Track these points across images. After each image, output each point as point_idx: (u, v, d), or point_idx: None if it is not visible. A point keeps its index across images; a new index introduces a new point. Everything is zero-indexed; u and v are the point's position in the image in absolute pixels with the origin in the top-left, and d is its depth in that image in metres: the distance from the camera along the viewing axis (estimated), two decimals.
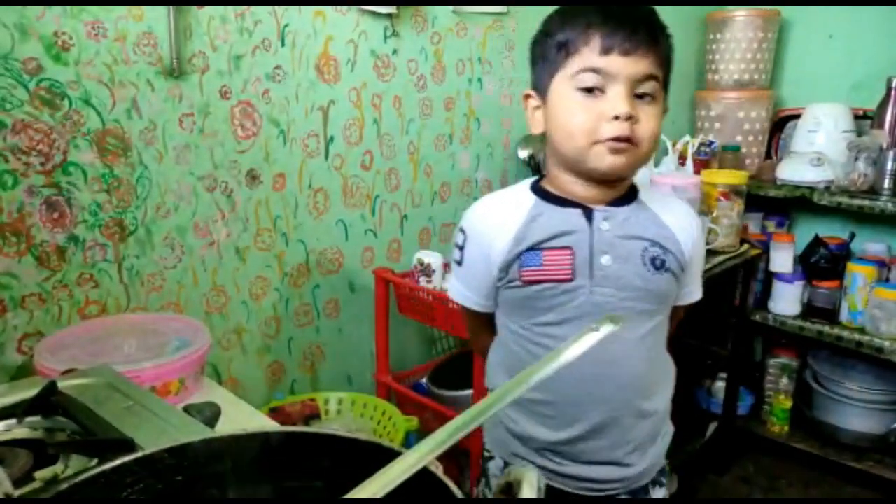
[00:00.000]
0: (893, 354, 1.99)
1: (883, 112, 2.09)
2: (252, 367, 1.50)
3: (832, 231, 2.35)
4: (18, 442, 0.70)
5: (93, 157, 1.18)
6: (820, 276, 2.18)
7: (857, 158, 2.06)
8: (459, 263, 1.02)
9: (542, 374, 0.48)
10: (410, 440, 1.47)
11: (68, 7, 1.11)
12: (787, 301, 2.22)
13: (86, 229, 1.19)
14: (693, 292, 1.06)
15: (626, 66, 0.85)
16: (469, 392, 1.55)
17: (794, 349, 2.41)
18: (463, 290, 1.04)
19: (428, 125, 1.75)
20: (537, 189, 0.98)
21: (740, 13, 2.31)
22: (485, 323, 1.07)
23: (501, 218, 0.96)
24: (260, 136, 1.41)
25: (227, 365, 1.45)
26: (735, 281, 2.15)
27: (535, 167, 1.94)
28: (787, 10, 2.41)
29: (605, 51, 0.85)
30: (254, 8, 1.35)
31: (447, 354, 1.89)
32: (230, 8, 1.32)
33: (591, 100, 0.87)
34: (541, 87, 0.93)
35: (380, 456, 0.44)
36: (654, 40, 0.87)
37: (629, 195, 0.97)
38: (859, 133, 2.21)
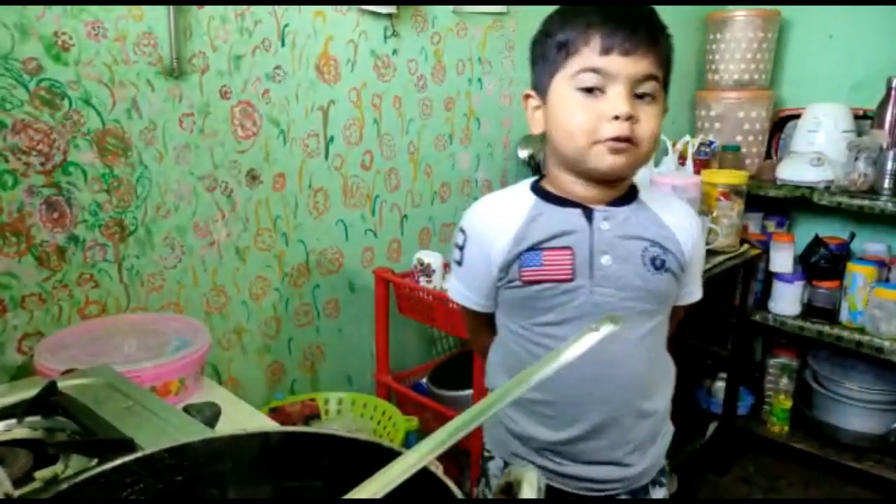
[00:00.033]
0: (893, 354, 1.99)
1: (883, 112, 2.09)
2: (252, 367, 1.50)
3: (832, 231, 2.35)
4: (18, 442, 0.70)
5: (93, 157, 1.18)
6: (820, 276, 2.18)
7: (857, 158, 2.06)
8: (459, 263, 1.02)
9: (543, 374, 0.48)
10: (410, 440, 1.47)
11: (68, 7, 1.11)
12: (787, 301, 2.22)
13: (86, 229, 1.19)
14: (693, 292, 1.06)
15: (626, 66, 0.85)
16: (469, 392, 1.55)
17: (794, 349, 2.41)
18: (463, 290, 1.04)
19: (428, 125, 1.75)
20: (537, 189, 0.98)
21: (740, 13, 2.31)
22: (485, 323, 1.07)
23: (501, 218, 0.96)
24: (260, 136, 1.41)
25: (227, 365, 1.45)
26: (735, 281, 2.15)
27: (535, 167, 1.94)
28: (787, 10, 2.41)
29: (605, 51, 0.85)
30: (254, 8, 1.35)
31: (447, 354, 1.89)
32: (230, 8, 1.32)
33: (591, 100, 0.87)
34: (541, 87, 0.93)
35: (380, 456, 0.44)
36: (654, 40, 0.87)
37: (629, 195, 0.97)
38: (859, 133, 2.21)
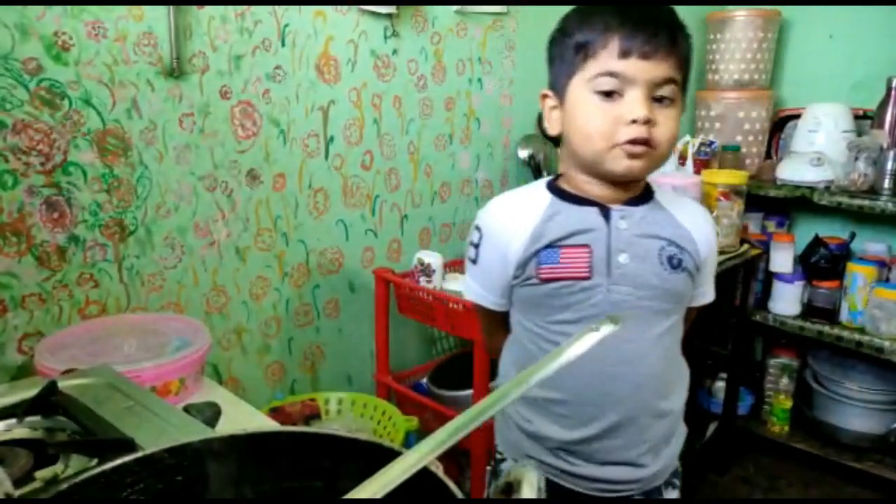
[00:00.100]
0: (893, 354, 1.99)
1: (883, 112, 2.09)
2: (252, 367, 1.50)
3: (832, 231, 2.35)
4: (19, 442, 0.70)
5: (93, 157, 1.18)
6: (820, 276, 2.18)
7: (857, 158, 2.06)
8: (474, 262, 1.02)
9: (543, 374, 0.47)
10: (410, 440, 1.47)
11: (68, 7, 1.11)
12: (787, 301, 2.22)
13: (86, 229, 1.19)
14: (707, 293, 1.05)
15: (645, 70, 0.84)
16: (469, 392, 1.55)
17: (794, 349, 2.41)
18: (477, 288, 1.03)
19: (428, 125, 1.75)
20: (553, 188, 0.98)
21: (740, 13, 2.31)
22: (499, 321, 1.06)
23: (518, 216, 0.95)
24: (260, 136, 1.41)
25: (227, 365, 1.45)
26: (735, 281, 2.15)
27: (535, 167, 1.94)
28: (787, 10, 2.41)
29: (624, 54, 0.84)
30: (254, 8, 1.35)
31: (447, 354, 1.89)
32: (230, 8, 1.32)
33: (609, 103, 0.86)
34: (558, 87, 0.93)
35: (380, 456, 0.44)
36: (673, 42, 0.86)
37: (645, 195, 0.97)
38: (859, 133, 2.21)
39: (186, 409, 0.79)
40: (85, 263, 1.20)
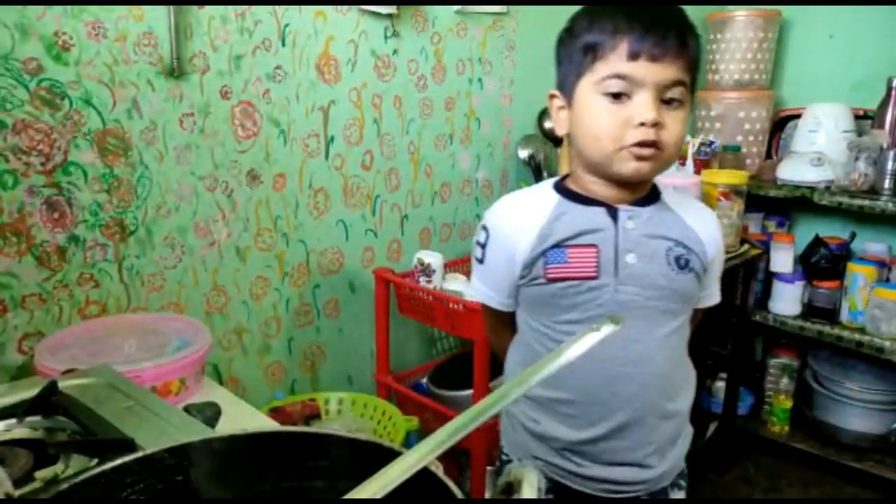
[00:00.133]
0: (894, 354, 1.99)
1: (883, 112, 2.09)
2: (252, 367, 1.50)
3: (832, 231, 2.34)
4: (19, 442, 0.70)
5: (93, 157, 1.18)
6: (820, 276, 2.18)
7: (857, 158, 2.06)
8: (481, 261, 1.01)
9: (544, 373, 0.47)
10: (411, 440, 1.47)
11: (69, 7, 1.11)
12: (787, 301, 2.22)
13: (86, 229, 1.19)
14: (713, 295, 1.05)
15: (654, 72, 0.84)
16: (469, 392, 1.55)
17: (794, 349, 2.41)
18: (484, 288, 1.03)
19: (428, 125, 1.75)
20: (560, 188, 0.98)
21: (740, 13, 2.30)
22: (505, 321, 1.06)
23: (525, 215, 0.95)
24: (260, 136, 1.41)
25: (227, 365, 1.45)
26: (735, 281, 2.14)
27: (535, 167, 1.94)
28: (787, 10, 2.40)
29: (633, 56, 0.84)
30: (254, 8, 1.35)
31: (447, 354, 1.89)
32: (230, 8, 1.32)
33: (617, 105, 0.86)
34: (566, 87, 0.92)
35: (380, 456, 0.44)
36: (683, 44, 0.85)
37: (652, 196, 0.97)
38: (860, 133, 2.21)
39: (187, 409, 0.79)
40: (85, 263, 1.20)
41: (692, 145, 2.09)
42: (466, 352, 1.72)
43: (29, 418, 0.73)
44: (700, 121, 2.45)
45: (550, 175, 1.92)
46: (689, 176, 1.93)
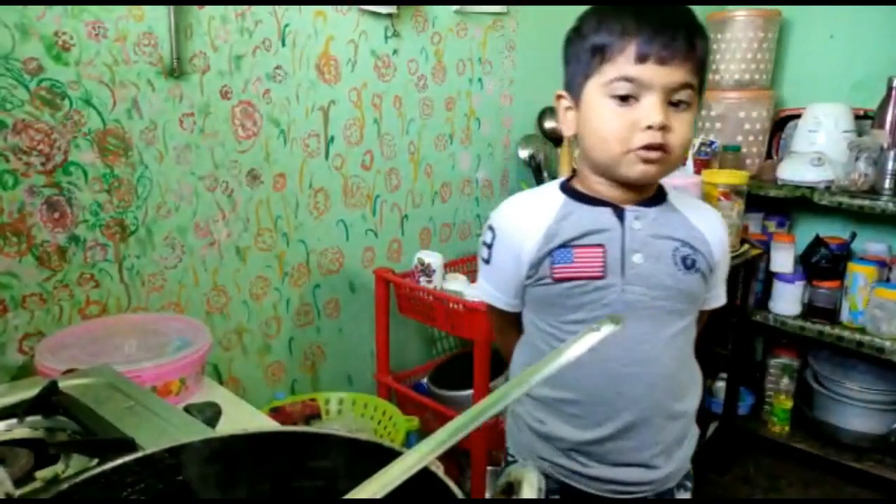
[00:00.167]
0: (894, 354, 1.99)
1: (883, 112, 2.09)
2: (253, 367, 1.50)
3: (833, 231, 2.34)
4: (19, 442, 0.70)
5: (93, 157, 1.18)
6: (820, 276, 2.18)
7: (857, 158, 2.06)
8: (487, 262, 1.01)
9: (543, 374, 0.47)
10: (411, 440, 1.47)
11: (69, 7, 1.11)
12: (787, 301, 2.22)
13: (86, 229, 1.19)
14: (719, 296, 1.05)
15: (662, 75, 0.84)
16: (469, 392, 1.55)
17: (794, 349, 2.41)
18: (490, 289, 1.03)
19: (428, 125, 1.75)
20: (566, 188, 0.98)
21: (741, 13, 2.30)
22: (511, 322, 1.06)
23: (531, 215, 0.95)
24: (260, 136, 1.41)
25: (227, 365, 1.45)
26: (736, 281, 2.14)
27: (535, 167, 1.94)
28: (787, 10, 2.40)
29: (641, 59, 0.83)
30: (254, 8, 1.35)
31: (447, 354, 1.89)
32: (230, 8, 1.32)
33: (624, 107, 0.86)
34: (573, 88, 0.92)
35: (380, 456, 0.44)
36: (691, 47, 0.85)
37: (658, 196, 0.97)
38: (860, 133, 2.20)
39: (187, 409, 0.79)
40: (85, 263, 1.20)
41: (692, 145, 2.09)
42: (466, 352, 1.72)
43: (29, 418, 0.73)
44: (700, 121, 2.45)
45: (551, 175, 1.92)
46: (689, 176, 1.93)
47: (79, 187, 1.17)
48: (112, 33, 1.17)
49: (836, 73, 2.38)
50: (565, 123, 0.96)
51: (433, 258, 1.56)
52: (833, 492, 2.21)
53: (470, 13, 1.78)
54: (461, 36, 1.77)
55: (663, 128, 0.85)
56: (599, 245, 0.92)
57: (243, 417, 0.97)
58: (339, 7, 1.49)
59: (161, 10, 1.22)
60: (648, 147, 0.86)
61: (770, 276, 2.27)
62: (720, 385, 2.36)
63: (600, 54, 0.86)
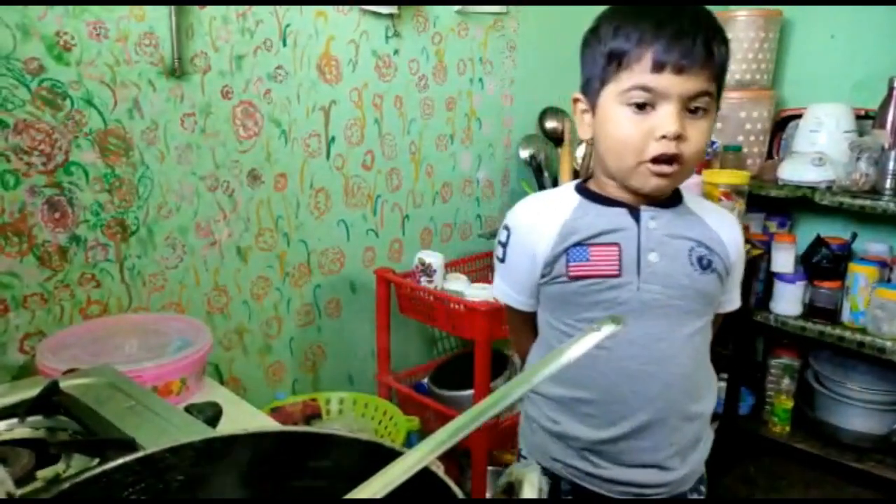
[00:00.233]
0: (895, 355, 1.99)
1: (885, 112, 2.09)
2: (253, 367, 1.50)
3: (834, 231, 2.34)
4: (20, 441, 0.70)
5: (94, 157, 1.18)
6: (821, 276, 2.18)
7: (858, 158, 2.05)
8: (502, 260, 1.01)
9: (544, 373, 0.47)
10: (412, 440, 1.47)
11: (70, 7, 1.12)
12: (788, 301, 2.22)
13: (87, 229, 1.19)
14: (734, 300, 1.05)
15: (678, 84, 0.83)
16: (470, 392, 1.55)
17: (795, 349, 2.41)
18: (506, 288, 1.02)
19: (429, 125, 1.75)
20: (582, 190, 0.98)
21: (742, 13, 2.30)
22: (527, 321, 1.05)
23: (547, 214, 0.95)
24: (261, 136, 1.41)
25: (228, 365, 1.45)
26: None
27: (536, 167, 1.94)
28: (788, 10, 2.40)
29: (658, 68, 0.82)
30: (255, 8, 1.35)
31: (448, 354, 1.89)
32: (232, 8, 1.32)
33: (640, 116, 0.85)
34: (590, 92, 0.92)
35: (381, 456, 0.44)
36: (709, 54, 0.84)
37: (674, 198, 0.96)
38: (861, 133, 2.20)
39: (188, 409, 0.79)
40: (86, 263, 1.20)
41: None
42: (467, 352, 1.72)
43: (30, 418, 0.74)
44: None
45: (551, 175, 1.92)
46: (690, 176, 1.92)
47: (80, 187, 1.17)
48: (113, 33, 1.17)
49: (837, 73, 2.38)
50: (582, 127, 0.95)
51: (434, 258, 1.57)
52: (834, 492, 2.21)
53: (471, 13, 1.78)
54: (462, 36, 1.77)
55: (678, 137, 0.84)
56: (615, 244, 0.91)
57: (244, 417, 0.97)
58: (339, 7, 1.49)
59: (162, 11, 1.22)
60: (661, 160, 0.85)
61: (771, 277, 2.27)
62: (721, 385, 2.35)
63: (617, 61, 0.85)
